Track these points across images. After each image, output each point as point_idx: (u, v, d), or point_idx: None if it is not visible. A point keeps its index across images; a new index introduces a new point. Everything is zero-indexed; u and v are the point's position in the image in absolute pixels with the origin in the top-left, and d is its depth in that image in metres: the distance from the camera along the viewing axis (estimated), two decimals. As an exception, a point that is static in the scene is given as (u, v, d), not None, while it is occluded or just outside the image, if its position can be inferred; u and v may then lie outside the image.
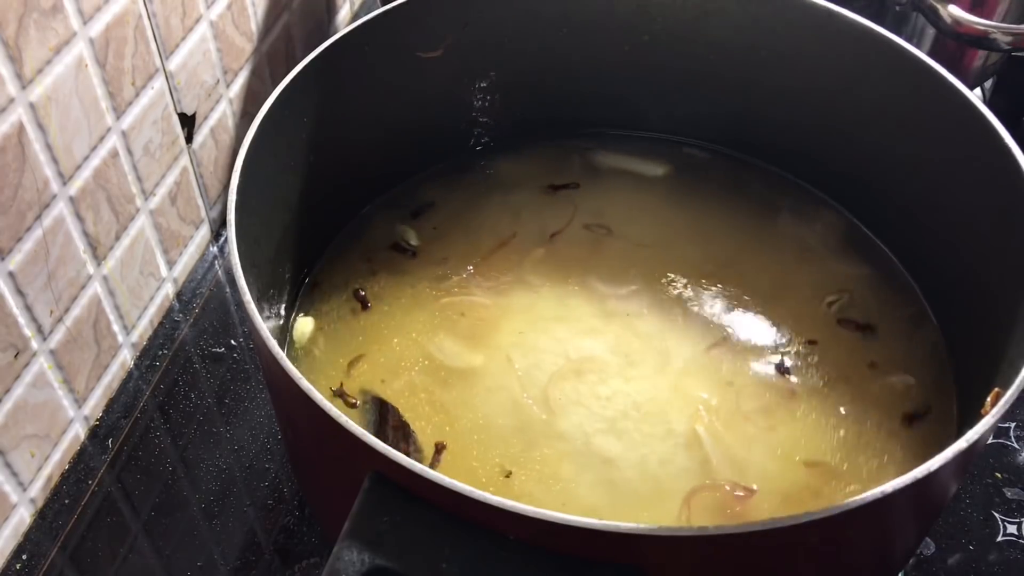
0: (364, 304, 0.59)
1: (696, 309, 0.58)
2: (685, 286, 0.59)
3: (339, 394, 0.54)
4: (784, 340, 0.56)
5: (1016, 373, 0.41)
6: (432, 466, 0.51)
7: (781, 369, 0.55)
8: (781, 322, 0.57)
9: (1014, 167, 0.48)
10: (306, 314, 0.59)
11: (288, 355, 0.56)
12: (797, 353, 0.56)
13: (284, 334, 0.57)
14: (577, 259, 0.61)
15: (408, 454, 0.50)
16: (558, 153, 0.68)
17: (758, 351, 0.56)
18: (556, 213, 0.64)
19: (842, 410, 0.53)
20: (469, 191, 0.66)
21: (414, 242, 0.63)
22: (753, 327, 0.57)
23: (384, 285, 0.60)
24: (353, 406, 0.54)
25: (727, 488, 0.49)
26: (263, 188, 0.51)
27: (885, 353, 0.56)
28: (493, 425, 0.52)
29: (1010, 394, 0.40)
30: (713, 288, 0.59)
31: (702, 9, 0.62)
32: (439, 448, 0.52)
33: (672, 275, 0.60)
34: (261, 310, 0.43)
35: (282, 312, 0.58)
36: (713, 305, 0.59)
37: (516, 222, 0.63)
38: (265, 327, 0.41)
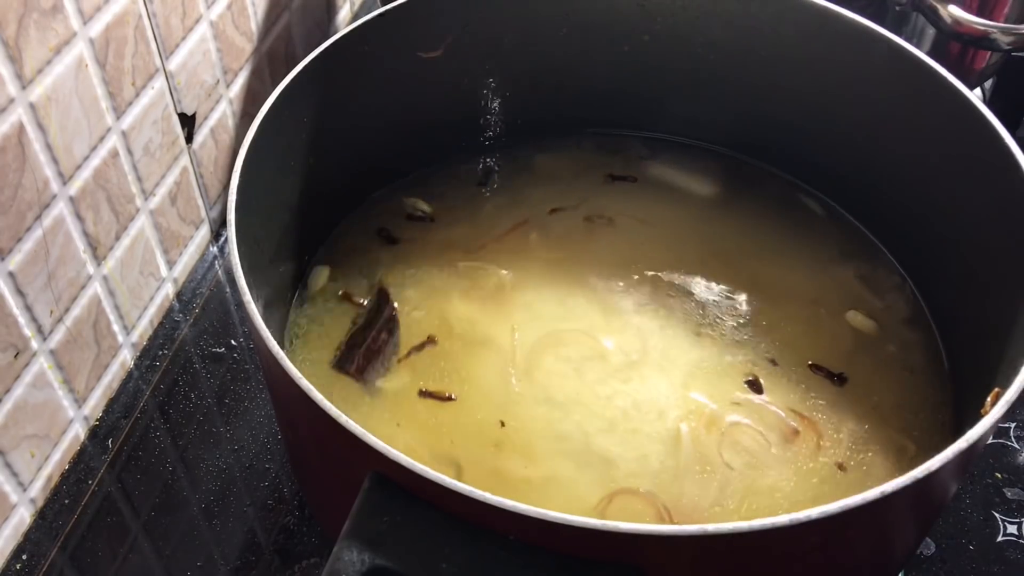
0: (391, 240, 0.60)
1: (697, 309, 0.58)
2: (688, 285, 0.60)
3: (345, 296, 0.55)
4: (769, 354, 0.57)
5: (1016, 373, 0.41)
6: (410, 354, 0.52)
7: (754, 387, 0.54)
8: (778, 331, 0.57)
9: (1014, 168, 0.48)
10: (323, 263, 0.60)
11: (299, 300, 0.57)
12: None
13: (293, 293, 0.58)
14: (580, 252, 0.61)
15: (386, 343, 0.51)
16: (565, 151, 0.68)
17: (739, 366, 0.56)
18: (562, 215, 0.64)
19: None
20: (470, 189, 0.66)
21: (428, 209, 0.64)
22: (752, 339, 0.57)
23: (405, 235, 0.62)
24: (360, 305, 0.54)
25: (648, 499, 0.49)
26: (263, 188, 0.51)
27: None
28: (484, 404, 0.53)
29: (1010, 394, 0.40)
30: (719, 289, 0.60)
31: (702, 9, 0.62)
32: (430, 339, 0.52)
33: (675, 273, 0.60)
34: (260, 306, 0.43)
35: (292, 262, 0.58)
36: (713, 306, 0.59)
37: (517, 216, 0.64)
38: (265, 327, 0.41)
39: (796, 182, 0.66)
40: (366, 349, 0.53)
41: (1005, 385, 0.41)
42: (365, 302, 0.55)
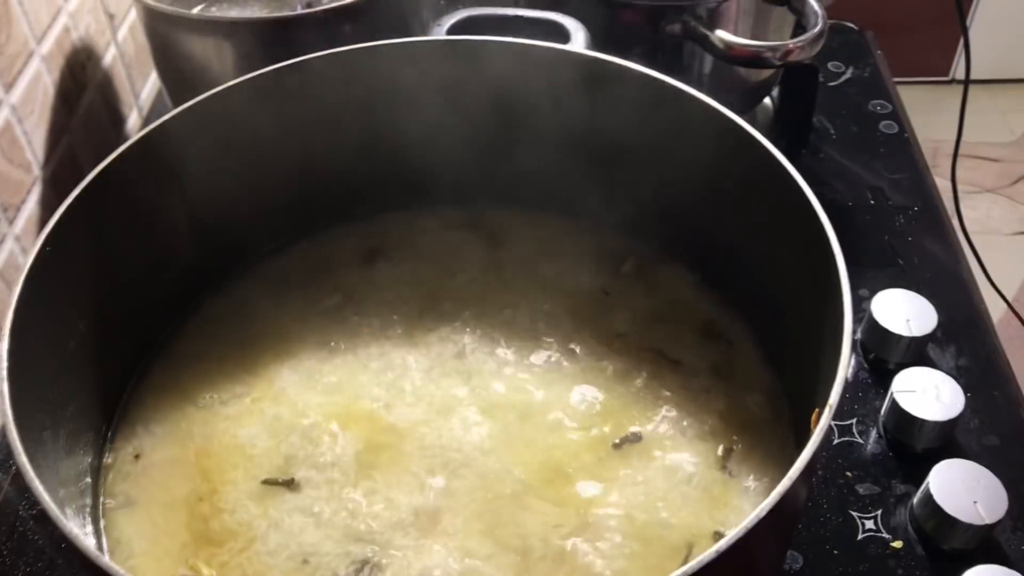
0: None
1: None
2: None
3: None
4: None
5: (829, 390, 0.42)
6: None
7: None
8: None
9: (803, 200, 0.48)
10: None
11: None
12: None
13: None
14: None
15: None
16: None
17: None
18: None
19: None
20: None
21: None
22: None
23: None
24: None
25: None
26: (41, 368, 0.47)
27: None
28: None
29: (824, 420, 0.41)
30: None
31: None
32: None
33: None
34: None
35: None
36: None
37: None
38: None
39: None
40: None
41: (824, 404, 0.42)
42: None
